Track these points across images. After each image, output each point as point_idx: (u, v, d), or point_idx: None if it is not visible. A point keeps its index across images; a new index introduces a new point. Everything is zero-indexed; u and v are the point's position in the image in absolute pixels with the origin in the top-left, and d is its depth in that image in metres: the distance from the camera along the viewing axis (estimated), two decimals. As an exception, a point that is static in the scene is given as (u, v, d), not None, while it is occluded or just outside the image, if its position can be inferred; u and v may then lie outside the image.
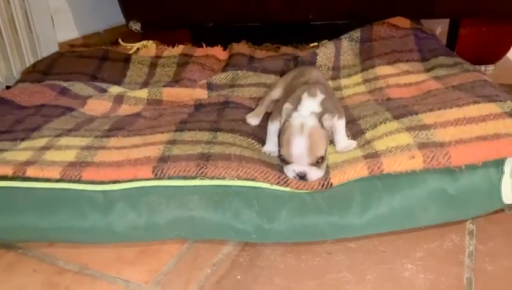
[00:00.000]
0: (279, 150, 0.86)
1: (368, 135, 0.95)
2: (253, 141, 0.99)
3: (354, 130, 1.00)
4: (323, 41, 1.67)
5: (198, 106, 1.24)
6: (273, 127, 0.94)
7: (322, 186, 0.82)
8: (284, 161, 0.84)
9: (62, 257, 0.85)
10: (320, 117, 0.84)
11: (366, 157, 0.84)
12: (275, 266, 0.80)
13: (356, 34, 1.54)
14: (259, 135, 1.02)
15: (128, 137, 1.01)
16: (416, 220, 0.81)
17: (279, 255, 0.82)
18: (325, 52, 1.49)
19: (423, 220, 0.81)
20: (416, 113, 0.94)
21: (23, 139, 1.02)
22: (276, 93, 1.12)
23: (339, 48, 1.51)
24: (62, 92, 1.33)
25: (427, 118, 0.91)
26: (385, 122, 0.95)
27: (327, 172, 0.85)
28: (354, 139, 0.96)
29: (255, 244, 0.85)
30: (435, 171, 0.79)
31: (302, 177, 0.82)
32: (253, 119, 1.08)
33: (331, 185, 0.82)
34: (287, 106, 0.87)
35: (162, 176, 0.84)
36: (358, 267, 0.78)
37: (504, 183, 0.80)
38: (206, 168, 0.83)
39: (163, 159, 0.87)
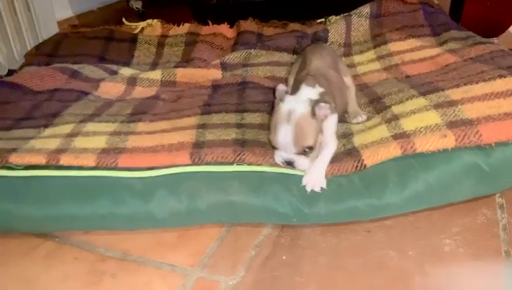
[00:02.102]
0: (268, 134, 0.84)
1: (395, 109, 0.95)
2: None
3: (379, 108, 1.00)
4: (330, 17, 1.66)
5: (216, 86, 1.23)
6: None
7: (356, 168, 0.83)
8: (272, 145, 0.82)
9: (101, 244, 0.84)
10: (314, 105, 0.80)
11: (395, 137, 0.85)
12: (316, 245, 0.81)
13: (366, 9, 1.53)
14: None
15: (156, 122, 1.00)
16: (452, 195, 0.83)
17: (318, 235, 0.83)
18: (336, 28, 1.48)
19: (459, 195, 0.84)
20: (443, 90, 0.95)
21: (46, 126, 1.01)
22: (291, 79, 1.07)
23: (350, 24, 1.50)
24: (73, 75, 1.30)
25: (454, 94, 0.92)
26: (411, 99, 0.96)
27: (358, 154, 0.85)
28: (379, 113, 0.97)
29: (293, 225, 0.86)
30: (467, 147, 0.81)
31: (289, 164, 0.81)
32: None
33: (365, 166, 0.83)
34: (280, 87, 0.84)
35: (199, 162, 0.84)
36: (398, 244, 0.80)
37: (535, 156, 0.82)
38: (243, 155, 0.84)
39: (198, 145, 0.87)
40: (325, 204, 0.80)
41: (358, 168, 0.83)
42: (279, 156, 0.81)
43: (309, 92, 0.84)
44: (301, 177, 0.82)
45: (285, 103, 0.81)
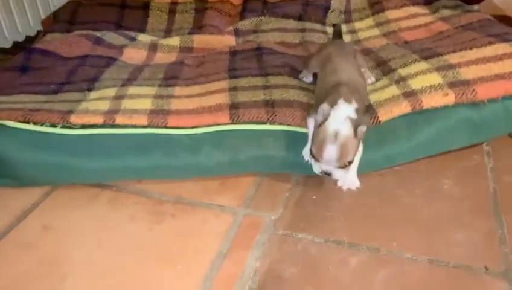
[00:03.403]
0: (311, 146, 0.89)
1: (401, 71, 1.09)
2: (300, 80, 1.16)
3: (386, 70, 1.15)
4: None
5: (234, 52, 1.35)
6: (311, 121, 0.94)
7: (372, 124, 0.98)
8: (313, 157, 0.88)
9: (155, 191, 0.98)
10: (356, 126, 0.85)
11: (405, 95, 1.00)
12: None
13: (363, -22, 1.64)
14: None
15: (190, 86, 1.13)
16: (450, 144, 1.01)
17: (340, 180, 0.99)
18: (337, -4, 1.60)
19: (455, 144, 1.01)
20: (442, 55, 1.10)
21: (89, 90, 1.12)
22: (314, 69, 1.13)
23: (349, -8, 1.62)
24: (97, 42, 1.39)
25: (452, 58, 1.08)
26: (415, 63, 1.11)
27: (374, 111, 1.00)
28: (386, 75, 1.12)
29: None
30: (464, 104, 0.97)
31: (327, 174, 0.89)
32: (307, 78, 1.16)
33: (380, 122, 0.98)
34: (325, 107, 0.86)
35: (238, 121, 0.97)
36: (407, 184, 0.97)
37: (518, 111, 1.00)
38: (275, 116, 0.97)
39: (234, 106, 1.00)
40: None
41: (374, 124, 0.98)
42: (319, 167, 0.88)
43: (347, 109, 0.87)
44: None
45: (330, 122, 0.85)
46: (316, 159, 0.87)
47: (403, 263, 0.78)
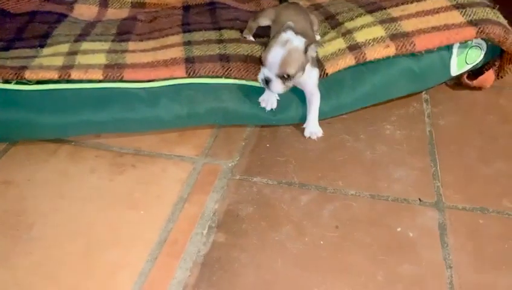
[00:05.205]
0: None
1: (348, 25, 1.15)
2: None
3: (334, 24, 1.20)
4: None
5: (187, 7, 1.36)
6: None
7: (320, 76, 1.04)
8: (261, 62, 0.95)
9: (114, 144, 1.01)
10: (308, 44, 0.93)
11: (350, 49, 1.06)
12: (291, 136, 1.03)
13: None
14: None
15: (144, 41, 1.14)
16: (392, 93, 1.09)
17: (291, 129, 1.05)
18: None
19: (396, 92, 1.10)
20: (385, 8, 1.16)
21: (41, 46, 1.11)
22: (265, 21, 1.15)
23: None
24: (46, -3, 1.36)
25: (394, 12, 1.14)
26: (361, 16, 1.17)
27: (322, 64, 1.05)
28: (334, 29, 1.17)
29: (271, 122, 1.07)
30: (404, 55, 1.05)
31: (266, 82, 0.95)
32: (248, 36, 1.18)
33: (327, 74, 1.04)
34: (289, 23, 0.96)
35: (194, 75, 1.00)
36: (352, 131, 1.04)
37: (452, 61, 1.09)
38: (231, 70, 1.01)
39: (189, 60, 1.03)
40: (296, 109, 1.03)
41: (322, 76, 1.04)
42: (262, 74, 0.94)
43: (300, 38, 0.94)
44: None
45: (286, 33, 0.93)
46: (262, 63, 0.93)
47: (348, 199, 0.86)
